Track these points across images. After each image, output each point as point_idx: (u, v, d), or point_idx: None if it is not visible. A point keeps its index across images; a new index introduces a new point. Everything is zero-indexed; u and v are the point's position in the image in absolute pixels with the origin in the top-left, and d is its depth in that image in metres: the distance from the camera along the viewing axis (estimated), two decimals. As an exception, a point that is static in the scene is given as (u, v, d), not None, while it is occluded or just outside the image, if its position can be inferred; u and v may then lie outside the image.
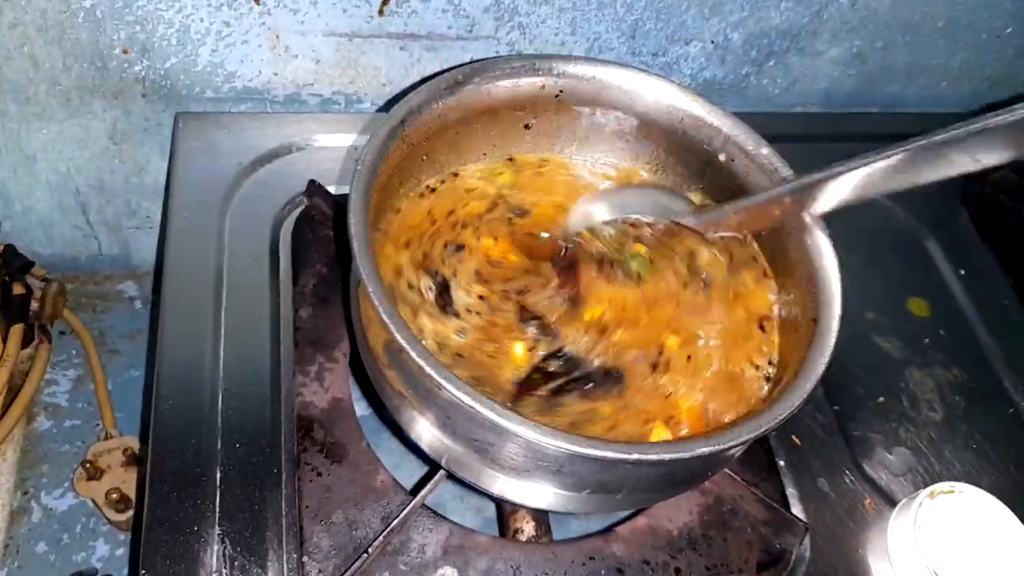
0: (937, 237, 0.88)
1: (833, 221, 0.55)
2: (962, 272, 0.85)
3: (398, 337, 0.44)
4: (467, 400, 0.43)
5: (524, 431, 0.43)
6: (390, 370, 0.52)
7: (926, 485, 0.63)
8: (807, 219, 0.55)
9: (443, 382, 0.43)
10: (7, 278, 0.89)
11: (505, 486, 0.51)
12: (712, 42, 0.87)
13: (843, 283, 0.53)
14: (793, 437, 0.69)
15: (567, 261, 0.61)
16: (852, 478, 0.68)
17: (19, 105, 0.79)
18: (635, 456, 0.43)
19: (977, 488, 0.62)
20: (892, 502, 0.66)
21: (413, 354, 0.44)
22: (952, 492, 0.61)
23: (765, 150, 0.59)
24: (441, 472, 0.57)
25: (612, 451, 0.43)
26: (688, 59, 0.89)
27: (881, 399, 0.74)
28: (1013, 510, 0.61)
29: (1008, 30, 0.95)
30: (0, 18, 0.71)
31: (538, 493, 0.51)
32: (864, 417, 0.72)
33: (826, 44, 0.91)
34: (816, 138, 0.94)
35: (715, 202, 0.63)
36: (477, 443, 0.49)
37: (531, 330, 0.57)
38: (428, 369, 0.43)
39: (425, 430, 0.52)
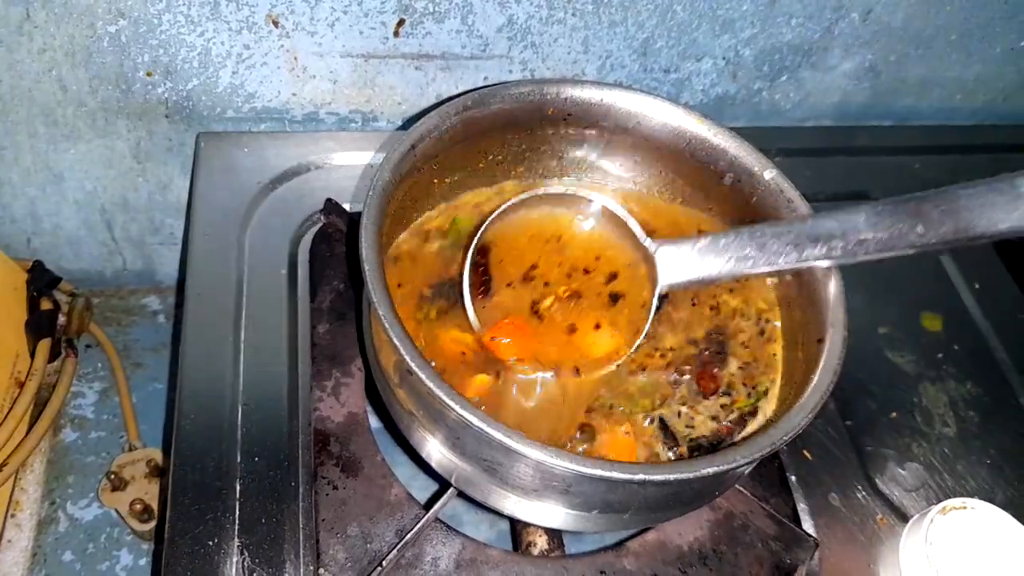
0: (951, 251, 0.87)
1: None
2: (976, 286, 0.85)
3: (408, 359, 0.45)
4: (476, 421, 0.44)
5: (531, 452, 0.44)
6: (400, 390, 0.53)
7: (939, 501, 0.63)
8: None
9: (452, 404, 0.44)
10: (35, 293, 0.91)
11: (514, 505, 0.52)
12: (723, 58, 0.88)
13: (847, 304, 0.54)
14: (804, 452, 0.69)
15: None
16: (864, 493, 0.68)
17: (47, 127, 0.82)
18: (640, 476, 0.44)
19: (990, 504, 0.62)
20: (904, 518, 0.66)
21: (423, 376, 0.45)
22: (965, 508, 0.61)
23: (770, 172, 0.59)
24: (452, 488, 0.58)
25: (617, 471, 0.44)
26: (700, 75, 0.90)
27: (894, 414, 0.74)
28: (1026, 527, 0.61)
29: (1022, 43, 0.94)
30: (30, 44, 0.74)
31: (547, 512, 0.52)
32: (877, 432, 0.72)
33: (838, 58, 0.91)
34: (829, 151, 0.94)
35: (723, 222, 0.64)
36: (486, 463, 0.49)
37: None
38: (437, 391, 0.44)
39: (435, 449, 0.53)
